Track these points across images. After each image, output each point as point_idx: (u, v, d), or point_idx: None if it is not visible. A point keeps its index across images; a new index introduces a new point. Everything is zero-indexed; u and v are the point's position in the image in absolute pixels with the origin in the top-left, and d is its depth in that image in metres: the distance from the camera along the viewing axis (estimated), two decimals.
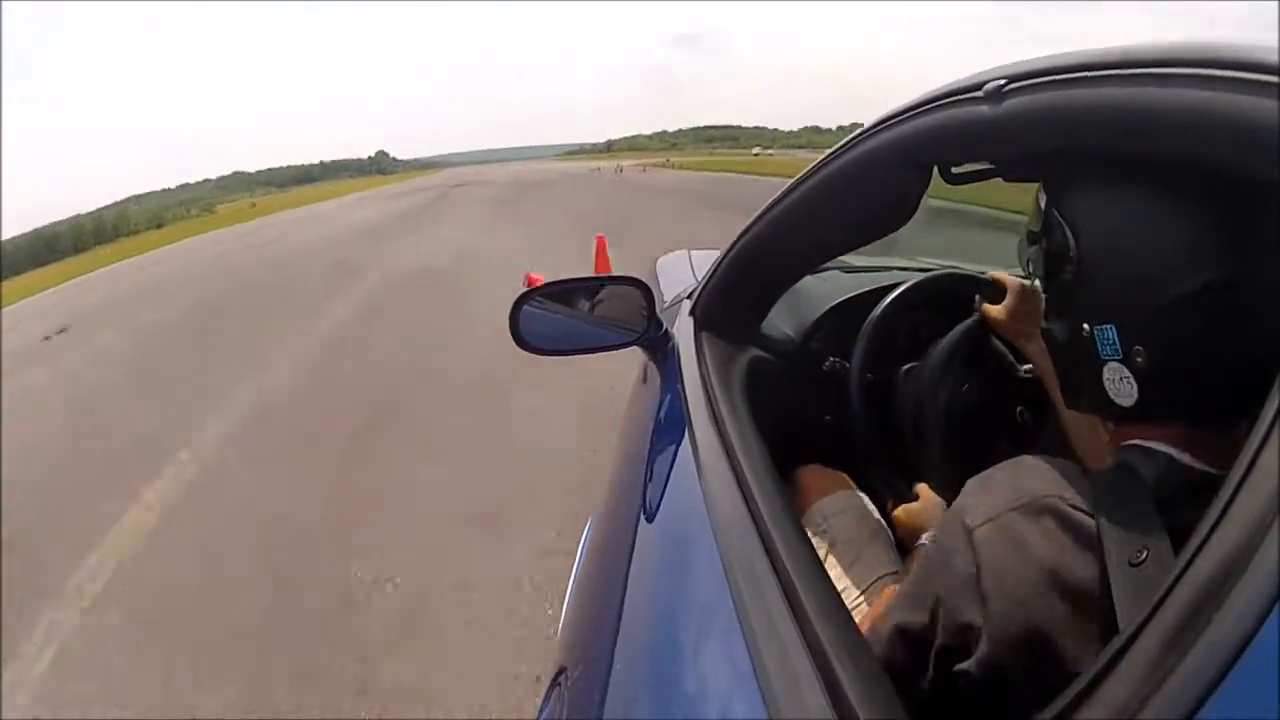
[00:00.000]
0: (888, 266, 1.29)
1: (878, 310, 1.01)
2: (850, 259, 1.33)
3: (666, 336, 1.15)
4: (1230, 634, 0.27)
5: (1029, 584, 0.43)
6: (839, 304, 1.10)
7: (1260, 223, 0.42)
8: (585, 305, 1.16)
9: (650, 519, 0.83)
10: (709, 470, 0.75)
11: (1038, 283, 0.56)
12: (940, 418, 0.92)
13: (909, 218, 0.76)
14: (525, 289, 1.11)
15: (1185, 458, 0.46)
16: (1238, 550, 0.28)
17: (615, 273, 1.21)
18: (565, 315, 1.15)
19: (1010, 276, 0.88)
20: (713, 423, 0.81)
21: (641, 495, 0.89)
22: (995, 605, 0.43)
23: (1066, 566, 0.43)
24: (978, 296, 0.90)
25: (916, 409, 0.95)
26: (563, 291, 1.15)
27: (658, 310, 1.14)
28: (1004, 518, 0.45)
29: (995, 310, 0.86)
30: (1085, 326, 0.49)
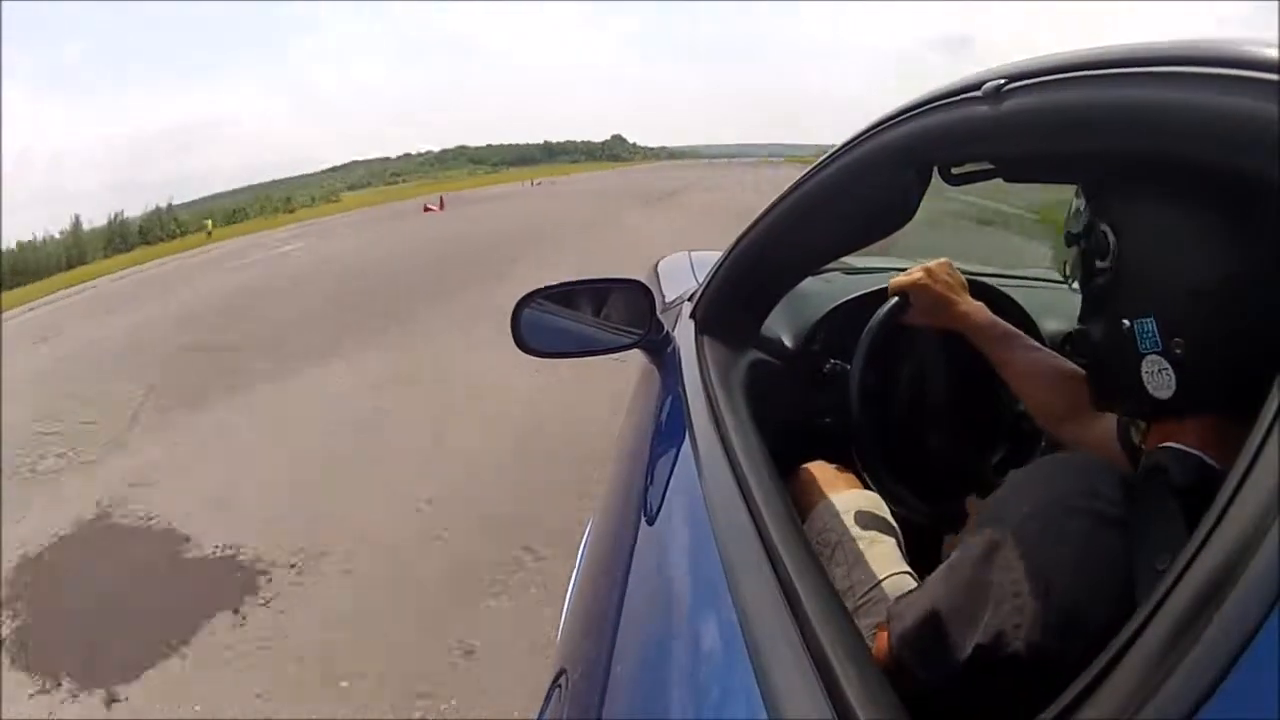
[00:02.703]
0: (889, 268, 1.29)
1: (879, 312, 1.01)
2: (851, 260, 1.33)
3: (667, 339, 1.15)
4: (1230, 634, 0.26)
5: (1069, 576, 0.44)
6: (840, 306, 1.09)
7: None
8: (586, 308, 1.16)
9: (650, 521, 0.82)
10: (709, 472, 0.74)
11: (1075, 284, 0.58)
12: (938, 418, 0.91)
13: (909, 219, 0.76)
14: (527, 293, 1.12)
15: (1216, 461, 0.47)
16: (1238, 550, 0.28)
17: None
18: (566, 317, 1.15)
19: (904, 278, 0.90)
20: (713, 425, 0.81)
21: (642, 497, 0.89)
22: (1037, 598, 0.44)
23: (1102, 563, 0.44)
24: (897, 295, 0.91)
25: (914, 410, 0.95)
26: (564, 294, 1.15)
27: (658, 312, 1.14)
28: (1045, 513, 0.47)
29: (913, 314, 0.90)
30: (1125, 322, 0.51)
